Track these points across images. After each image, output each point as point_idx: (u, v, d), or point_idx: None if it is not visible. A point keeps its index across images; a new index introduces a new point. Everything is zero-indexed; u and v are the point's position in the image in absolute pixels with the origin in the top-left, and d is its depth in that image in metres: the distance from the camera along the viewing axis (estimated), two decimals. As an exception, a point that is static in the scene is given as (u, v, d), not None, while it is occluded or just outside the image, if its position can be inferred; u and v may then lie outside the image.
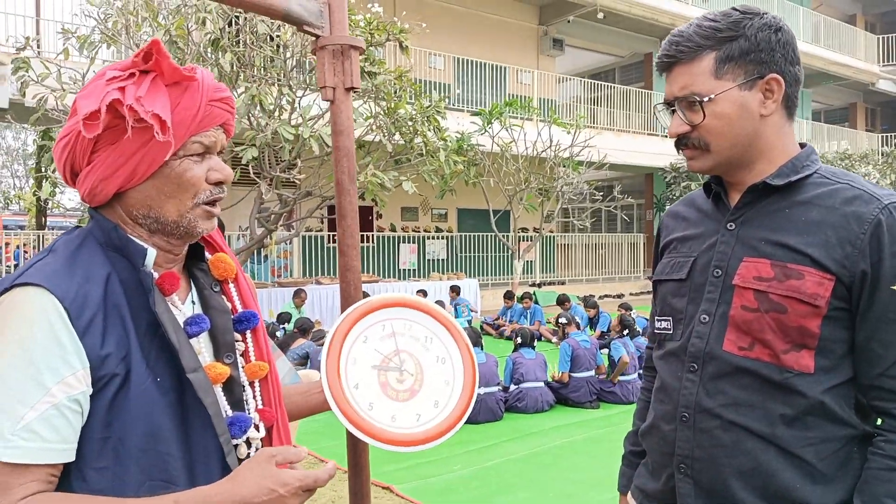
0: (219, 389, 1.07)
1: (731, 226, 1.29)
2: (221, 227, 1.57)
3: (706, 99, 1.23)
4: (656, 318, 1.41)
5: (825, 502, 1.17)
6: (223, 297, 1.16)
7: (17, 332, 0.91)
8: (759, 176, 1.27)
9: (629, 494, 1.50)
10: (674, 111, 1.29)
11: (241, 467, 0.98)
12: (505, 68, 15.89)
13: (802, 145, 1.31)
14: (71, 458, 0.93)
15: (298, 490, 0.97)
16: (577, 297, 13.90)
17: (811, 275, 1.17)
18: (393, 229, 15.75)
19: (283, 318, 8.95)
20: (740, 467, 1.21)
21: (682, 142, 1.29)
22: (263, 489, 0.95)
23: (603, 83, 17.91)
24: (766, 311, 1.19)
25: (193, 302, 1.12)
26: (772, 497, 1.19)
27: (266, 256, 12.53)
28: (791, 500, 1.18)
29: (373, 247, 14.52)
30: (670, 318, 1.36)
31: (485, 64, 15.46)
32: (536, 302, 11.39)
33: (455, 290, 11.96)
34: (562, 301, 10.23)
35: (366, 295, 1.60)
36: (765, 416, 1.20)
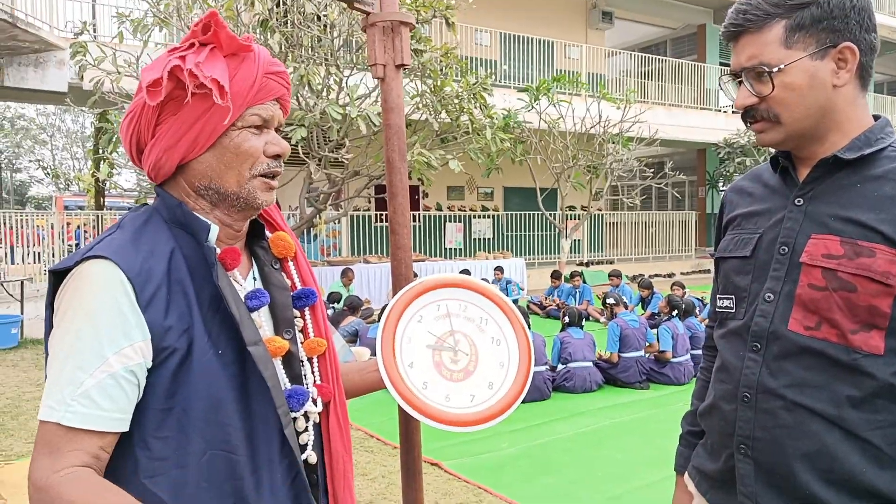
0: (278, 363, 1.09)
1: (798, 201, 1.24)
2: (277, 205, 1.59)
3: (775, 69, 1.17)
4: (718, 296, 1.38)
5: (894, 488, 1.13)
6: (283, 274, 1.18)
7: (86, 303, 0.94)
8: (831, 149, 1.22)
9: (686, 475, 1.48)
10: (740, 82, 1.24)
11: None
12: (552, 43, 15.61)
13: (876, 117, 1.25)
14: (124, 428, 0.96)
15: None
16: (627, 276, 13.72)
17: (883, 252, 1.11)
18: (439, 208, 15.77)
19: (333, 297, 9.08)
20: (804, 449, 1.17)
21: (749, 114, 1.24)
22: None
23: (654, 56, 17.43)
24: (834, 290, 1.14)
25: (255, 278, 1.14)
26: (836, 481, 1.15)
27: (316, 236, 12.69)
28: (857, 484, 1.14)
29: (419, 226, 14.57)
30: (733, 297, 1.32)
31: (532, 39, 15.22)
32: (584, 281, 11.29)
33: (499, 269, 11.92)
34: (613, 275, 10.15)
35: (415, 275, 1.60)
36: (831, 397, 1.16)
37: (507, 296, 10.54)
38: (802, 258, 1.19)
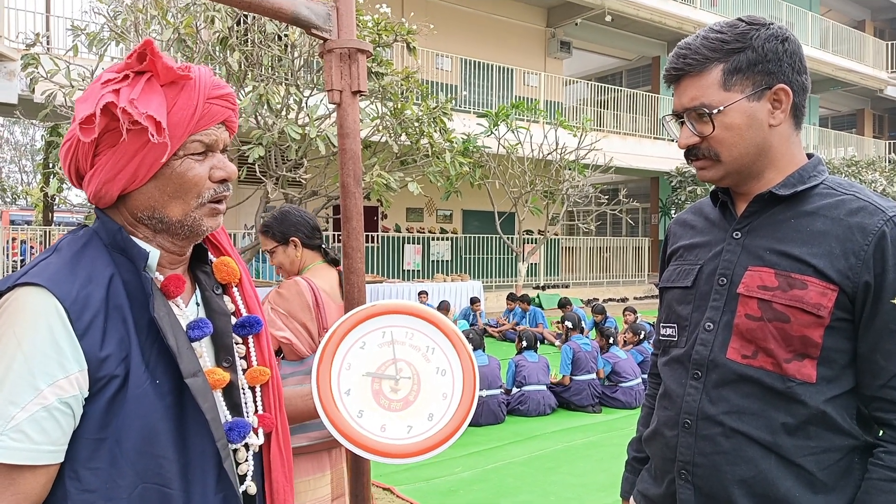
0: (218, 394, 1.06)
1: (736, 234, 1.30)
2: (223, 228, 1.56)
3: (715, 111, 1.23)
4: (662, 324, 1.42)
5: (826, 512, 1.17)
6: (226, 298, 1.15)
7: (17, 333, 0.91)
8: (767, 185, 1.28)
9: (631, 499, 1.51)
10: (682, 122, 1.29)
11: None
12: (512, 70, 15.89)
13: (810, 155, 1.31)
14: (58, 460, 0.92)
15: None
16: (581, 300, 13.88)
17: (814, 285, 1.17)
18: (398, 230, 15.76)
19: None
20: (741, 475, 1.21)
21: (691, 152, 1.30)
22: None
23: (610, 86, 17.88)
24: (769, 320, 1.19)
25: (198, 304, 1.12)
26: (772, 506, 1.19)
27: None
28: (791, 509, 1.18)
29: (377, 247, 14.53)
30: (675, 326, 1.36)
31: (492, 66, 15.46)
32: (540, 305, 11.35)
33: (476, 301, 11.64)
34: (563, 305, 10.23)
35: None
36: (766, 424, 1.20)
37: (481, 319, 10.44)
38: (739, 289, 1.24)
